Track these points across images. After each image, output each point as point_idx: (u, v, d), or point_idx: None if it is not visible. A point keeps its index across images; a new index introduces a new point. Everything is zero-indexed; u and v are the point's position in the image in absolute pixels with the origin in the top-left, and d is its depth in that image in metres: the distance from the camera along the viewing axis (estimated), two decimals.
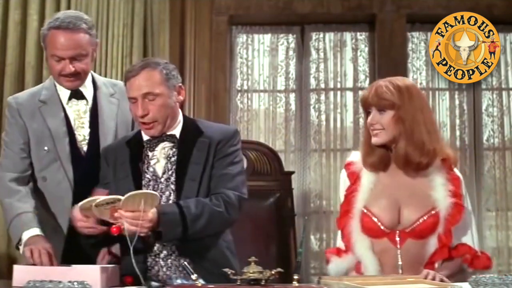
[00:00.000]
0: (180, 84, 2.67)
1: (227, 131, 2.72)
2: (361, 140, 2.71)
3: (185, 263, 2.26)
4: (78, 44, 2.73)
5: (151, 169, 2.62)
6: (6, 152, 2.82)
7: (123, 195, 2.38)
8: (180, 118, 2.69)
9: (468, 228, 2.59)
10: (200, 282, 2.14)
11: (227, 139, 2.66)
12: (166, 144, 2.64)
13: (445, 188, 2.54)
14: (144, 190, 2.49)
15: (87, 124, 2.80)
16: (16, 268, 2.37)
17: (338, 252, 2.63)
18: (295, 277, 2.16)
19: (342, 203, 2.65)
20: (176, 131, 2.66)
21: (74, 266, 2.41)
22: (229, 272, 2.21)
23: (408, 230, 2.51)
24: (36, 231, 2.65)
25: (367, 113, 2.60)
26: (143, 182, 2.61)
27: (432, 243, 2.50)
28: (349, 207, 2.59)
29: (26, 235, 2.64)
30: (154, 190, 2.55)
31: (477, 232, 2.69)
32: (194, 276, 2.17)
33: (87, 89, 2.84)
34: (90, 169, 2.74)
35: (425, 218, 2.51)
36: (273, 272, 2.17)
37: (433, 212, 2.51)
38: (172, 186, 2.59)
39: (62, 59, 2.73)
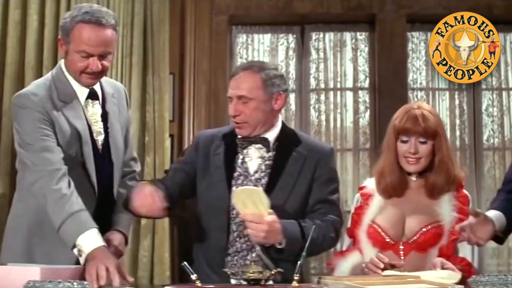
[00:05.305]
0: (281, 92, 2.65)
1: (324, 149, 2.74)
2: (382, 165, 2.63)
3: (185, 263, 2.25)
4: (108, 41, 2.55)
5: (245, 165, 2.65)
6: (46, 145, 2.52)
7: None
8: (278, 124, 2.70)
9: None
10: None
11: (326, 159, 2.69)
12: (259, 145, 2.66)
13: (451, 204, 2.57)
14: (251, 187, 2.52)
15: (102, 128, 2.68)
16: None
17: (342, 253, 2.66)
18: (295, 277, 2.16)
19: (352, 215, 2.69)
20: (270, 135, 2.67)
21: (50, 266, 2.22)
22: (229, 272, 2.21)
23: (411, 241, 2.53)
24: (97, 239, 2.36)
25: (400, 140, 2.57)
26: (234, 175, 2.64)
27: (433, 255, 2.51)
28: (359, 219, 2.64)
29: (86, 244, 2.35)
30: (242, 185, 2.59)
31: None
32: (194, 276, 2.16)
33: (97, 88, 2.71)
34: (107, 170, 2.67)
35: (428, 228, 2.53)
36: (273, 272, 2.18)
37: (436, 224, 2.54)
38: (260, 188, 2.58)
39: (90, 56, 2.55)
